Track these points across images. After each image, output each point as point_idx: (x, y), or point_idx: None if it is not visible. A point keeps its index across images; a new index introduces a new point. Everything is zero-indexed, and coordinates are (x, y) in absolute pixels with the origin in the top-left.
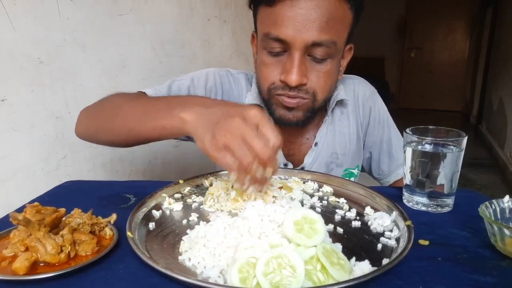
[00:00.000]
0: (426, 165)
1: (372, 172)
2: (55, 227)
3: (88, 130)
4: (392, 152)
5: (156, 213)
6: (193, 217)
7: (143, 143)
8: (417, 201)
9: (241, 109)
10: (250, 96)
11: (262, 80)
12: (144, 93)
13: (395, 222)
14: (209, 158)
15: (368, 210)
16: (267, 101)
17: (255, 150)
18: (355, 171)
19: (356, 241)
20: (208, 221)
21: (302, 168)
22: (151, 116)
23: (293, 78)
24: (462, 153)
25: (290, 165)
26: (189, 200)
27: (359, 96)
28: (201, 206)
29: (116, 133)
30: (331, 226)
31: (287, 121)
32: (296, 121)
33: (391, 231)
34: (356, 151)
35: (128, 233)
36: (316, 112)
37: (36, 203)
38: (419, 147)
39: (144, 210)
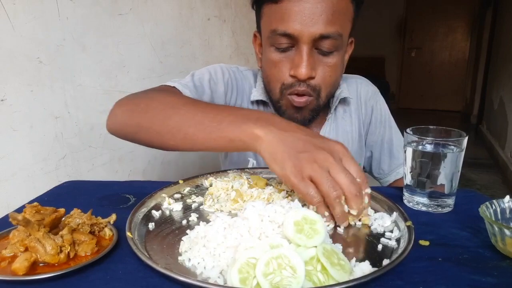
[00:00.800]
0: (427, 165)
1: (372, 171)
2: (54, 227)
3: (126, 127)
4: (393, 152)
5: (156, 213)
6: (193, 217)
7: (194, 150)
8: (418, 201)
9: (326, 141)
10: (256, 92)
11: (273, 80)
12: (174, 87)
13: (395, 223)
14: (286, 183)
15: (368, 210)
16: (278, 102)
17: (341, 186)
18: None
19: (356, 241)
20: (208, 221)
21: None
22: (215, 125)
23: (303, 71)
24: (463, 153)
25: None
26: (188, 200)
27: (362, 95)
28: (201, 206)
29: (167, 136)
30: (331, 227)
31: (294, 121)
32: (302, 120)
33: (391, 231)
34: (358, 150)
35: (128, 234)
36: (320, 110)
37: (35, 203)
38: (420, 147)
39: (143, 210)
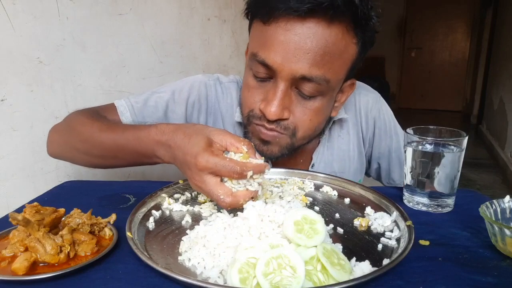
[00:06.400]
0: (427, 165)
1: (382, 181)
2: (54, 227)
3: (63, 155)
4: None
5: (156, 213)
6: (193, 217)
7: (124, 167)
8: (418, 201)
9: (193, 157)
10: (238, 113)
11: (243, 103)
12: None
13: (395, 222)
14: None
15: (368, 210)
16: (245, 127)
17: (214, 198)
18: None
19: (356, 241)
20: (207, 220)
21: None
22: (134, 156)
23: (272, 110)
24: (463, 153)
25: None
26: (188, 200)
27: (361, 107)
28: (201, 206)
29: (95, 163)
30: (331, 226)
31: (261, 155)
32: (269, 156)
33: (391, 231)
34: (358, 167)
35: (128, 233)
36: (295, 150)
37: (35, 203)
38: (420, 147)
39: (143, 210)
